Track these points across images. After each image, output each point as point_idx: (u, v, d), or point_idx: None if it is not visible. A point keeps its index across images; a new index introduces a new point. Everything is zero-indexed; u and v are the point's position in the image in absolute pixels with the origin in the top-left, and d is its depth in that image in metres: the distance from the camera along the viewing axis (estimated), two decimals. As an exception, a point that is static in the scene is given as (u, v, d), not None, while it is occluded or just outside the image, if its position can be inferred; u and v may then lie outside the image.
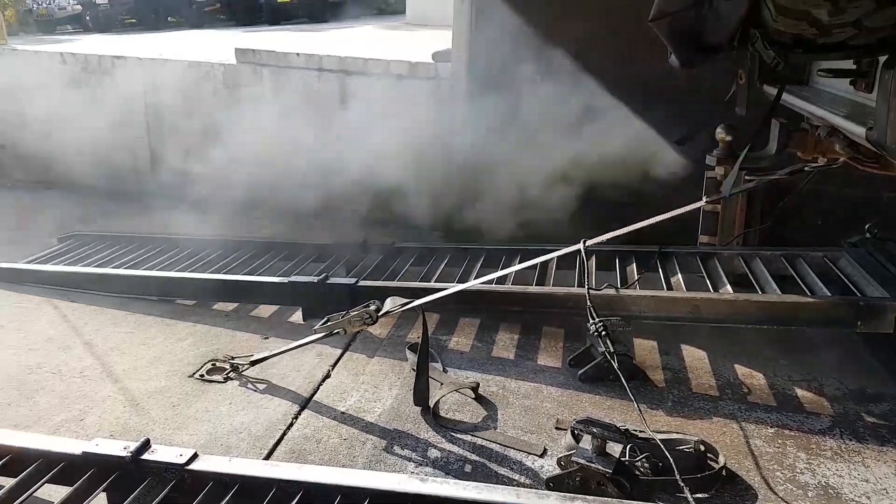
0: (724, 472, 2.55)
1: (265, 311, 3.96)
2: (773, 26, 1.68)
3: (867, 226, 3.66)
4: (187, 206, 5.54)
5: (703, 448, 2.59)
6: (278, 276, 3.94)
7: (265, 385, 3.16)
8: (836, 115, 1.91)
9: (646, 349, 3.53)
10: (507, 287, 3.47)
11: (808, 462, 2.66)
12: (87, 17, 13.95)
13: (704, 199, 2.69)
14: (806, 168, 2.37)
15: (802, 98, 2.19)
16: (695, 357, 3.49)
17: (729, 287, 3.39)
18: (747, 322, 3.26)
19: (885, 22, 1.55)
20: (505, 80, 4.31)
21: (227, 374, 3.20)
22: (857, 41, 1.61)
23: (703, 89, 3.27)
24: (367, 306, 2.94)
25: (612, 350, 2.54)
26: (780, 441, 2.79)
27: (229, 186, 5.12)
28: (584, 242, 2.69)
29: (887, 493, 2.48)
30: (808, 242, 3.94)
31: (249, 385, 3.16)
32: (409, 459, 2.64)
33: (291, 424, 2.85)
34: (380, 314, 2.89)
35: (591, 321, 2.60)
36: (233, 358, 3.29)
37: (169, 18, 15.51)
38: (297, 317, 3.83)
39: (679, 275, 3.58)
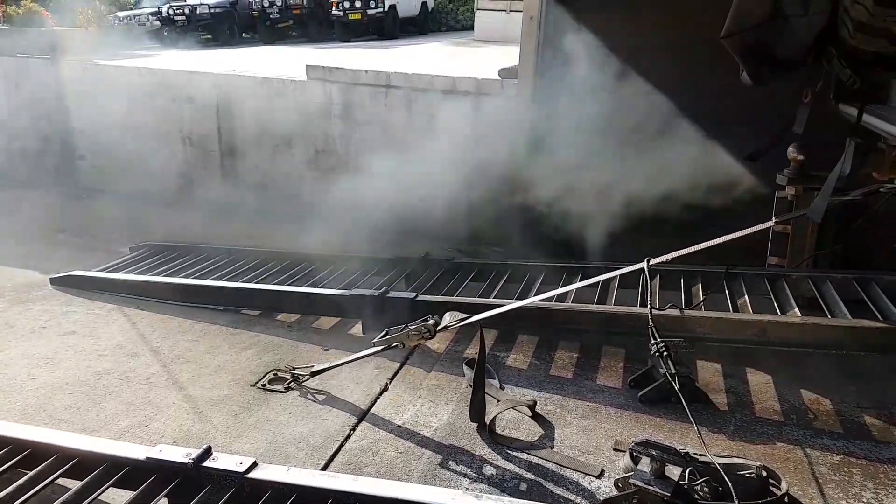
0: (786, 499, 2.46)
1: (326, 322, 4.06)
2: (851, 43, 1.64)
3: (945, 249, 3.49)
4: (258, 219, 5.71)
5: (765, 474, 2.51)
6: (340, 288, 4.01)
7: (324, 396, 3.23)
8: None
9: (709, 372, 3.45)
10: (567, 305, 3.46)
11: (875, 491, 2.56)
12: (165, 33, 14.61)
13: (774, 219, 2.62)
14: (882, 189, 2.29)
15: (880, 117, 2.12)
16: (759, 381, 3.39)
17: (797, 310, 3.29)
18: (815, 346, 3.17)
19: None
20: (571, 97, 4.30)
21: (287, 384, 3.29)
22: (938, 59, 1.55)
23: (777, 106, 3.20)
24: (426, 320, 2.98)
25: (673, 371, 2.49)
26: (846, 469, 2.69)
27: (306, 203, 5.23)
28: (648, 261, 2.65)
29: (957, 528, 2.36)
30: (881, 266, 3.78)
31: (309, 396, 3.24)
32: (464, 475, 2.65)
33: (349, 436, 2.91)
34: (438, 328, 2.93)
35: (653, 341, 2.55)
36: (294, 368, 3.38)
37: (243, 35, 16.12)
38: (358, 329, 3.92)
39: (746, 296, 3.50)
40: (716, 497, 2.41)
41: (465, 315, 2.96)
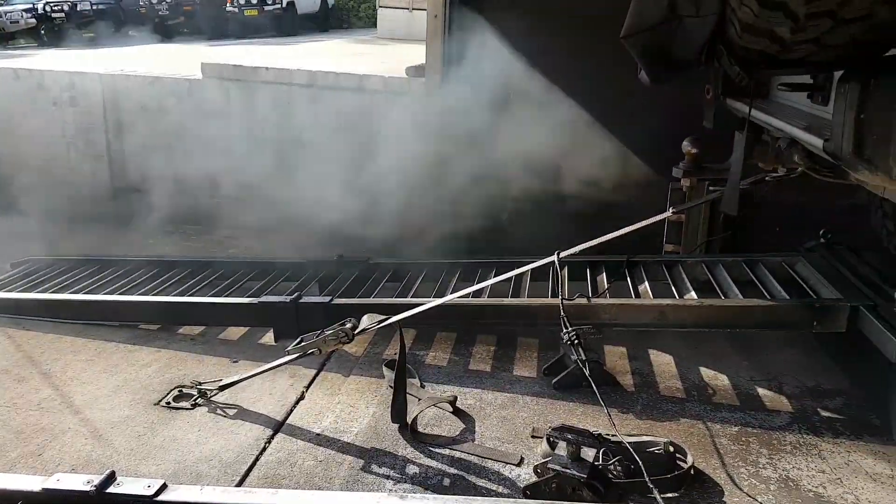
0: (692, 472, 2.63)
1: (234, 333, 3.92)
2: (739, 43, 1.75)
3: (822, 232, 3.81)
4: (158, 227, 5.43)
5: (672, 449, 2.67)
6: (248, 296, 3.88)
7: (235, 410, 3.11)
8: (795, 127, 2.01)
9: (616, 355, 3.61)
10: (484, 300, 3.51)
11: (769, 457, 2.76)
12: (43, 31, 13.59)
13: (671, 209, 2.77)
14: (767, 178, 2.47)
15: (764, 111, 2.29)
16: (662, 361, 3.58)
17: (693, 293, 3.48)
18: (711, 326, 3.36)
19: (842, 39, 1.63)
20: (479, 94, 4.36)
21: (194, 400, 3.15)
22: (816, 57, 1.69)
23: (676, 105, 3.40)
24: (343, 324, 2.94)
25: (584, 358, 2.60)
26: (743, 439, 2.89)
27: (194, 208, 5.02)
28: (558, 254, 2.74)
29: (841, 482, 2.60)
30: (767, 249, 4.08)
31: (219, 411, 3.11)
32: (388, 477, 2.65)
33: (264, 449, 2.82)
34: (356, 332, 2.89)
35: (565, 330, 2.64)
36: (201, 383, 3.23)
37: (130, 33, 15.22)
38: (269, 338, 3.80)
39: (646, 283, 3.67)
40: (628, 475, 2.54)
41: (384, 316, 2.94)
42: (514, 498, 2.48)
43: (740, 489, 2.57)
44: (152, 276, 4.44)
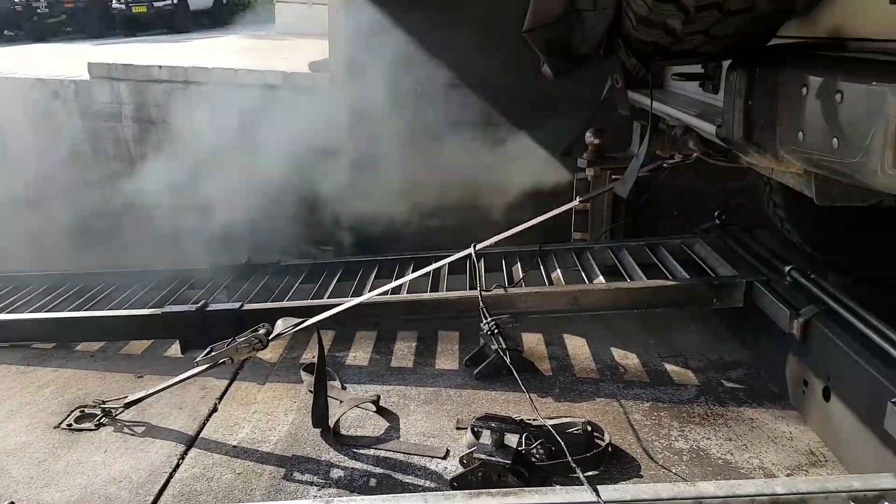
0: (609, 449, 2.73)
1: (137, 347, 3.72)
2: (635, 35, 1.82)
3: (716, 213, 4.04)
4: (45, 240, 5.05)
5: (590, 428, 2.76)
6: (150, 307, 3.69)
7: (144, 427, 2.95)
8: (689, 115, 2.11)
9: (533, 342, 3.69)
10: (403, 297, 3.49)
11: (680, 430, 2.90)
12: None
13: (577, 198, 2.85)
14: (664, 165, 2.60)
15: (659, 101, 2.40)
16: (576, 345, 3.70)
17: (602, 278, 3.60)
18: (620, 308, 3.49)
19: (729, 30, 1.73)
20: (385, 90, 4.33)
21: (98, 420, 2.96)
22: (706, 48, 1.79)
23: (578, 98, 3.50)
24: (256, 330, 2.83)
25: (504, 346, 2.64)
26: (655, 413, 3.03)
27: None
28: (475, 246, 2.76)
29: (747, 447, 2.77)
30: (666, 232, 4.29)
31: (126, 430, 2.94)
32: (312, 483, 2.59)
33: (178, 466, 2.69)
34: (270, 337, 2.80)
35: (484, 321, 2.68)
36: (104, 402, 3.04)
37: (4, 32, 14.10)
38: (175, 350, 3.62)
39: (558, 270, 3.77)
40: (550, 457, 2.61)
41: (300, 319, 2.86)
42: (443, 491, 2.49)
43: (655, 462, 2.69)
44: (43, 291, 4.14)
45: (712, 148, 2.26)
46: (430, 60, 4.36)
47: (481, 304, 2.75)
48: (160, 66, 5.05)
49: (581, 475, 2.05)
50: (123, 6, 16.66)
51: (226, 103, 4.93)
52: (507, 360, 2.64)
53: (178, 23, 16.33)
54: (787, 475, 2.57)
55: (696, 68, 2.15)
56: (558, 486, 2.02)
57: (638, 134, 2.33)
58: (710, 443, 2.81)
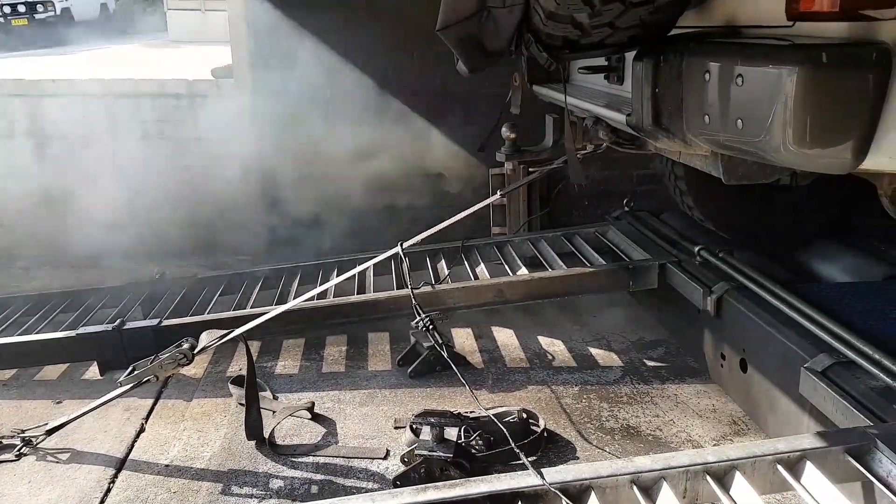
0: (545, 434, 2.83)
1: (52, 372, 3.52)
2: (544, 30, 1.90)
3: (625, 201, 4.23)
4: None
5: (525, 415, 2.85)
6: (62, 330, 3.49)
7: (69, 454, 2.81)
8: (598, 106, 2.22)
9: (462, 336, 3.75)
10: (331, 301, 3.47)
11: (610, 411, 3.04)
12: None
13: (499, 192, 2.93)
14: (577, 156, 2.70)
15: (568, 95, 2.50)
16: (504, 336, 3.79)
17: (524, 269, 3.71)
18: (544, 297, 3.61)
19: (632, 22, 1.83)
20: (290, 94, 4.27)
21: (19, 450, 2.79)
22: (612, 40, 1.88)
23: (487, 95, 3.59)
24: (180, 345, 2.75)
25: (440, 341, 2.67)
26: (585, 396, 3.15)
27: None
28: (402, 245, 2.78)
29: (674, 422, 2.93)
30: (579, 221, 4.46)
31: (49, 458, 2.79)
32: (251, 496, 2.54)
33: (109, 490, 2.58)
34: (196, 351, 2.72)
35: (418, 317, 2.71)
36: (23, 431, 2.86)
37: None
38: (94, 372, 3.45)
39: (482, 264, 3.84)
40: (489, 447, 2.67)
41: (225, 331, 2.80)
42: (389, 489, 2.49)
43: (590, 443, 2.80)
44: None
45: (622, 137, 2.38)
46: (336, 61, 4.35)
47: (414, 301, 2.78)
48: (53, 80, 4.78)
49: (525, 460, 2.12)
50: (1, 19, 15.72)
51: (126, 114, 4.74)
52: (446, 354, 2.68)
53: (61, 35, 15.52)
54: (714, 445, 2.73)
55: (601, 62, 2.26)
56: (503, 474, 2.07)
57: (551, 127, 2.42)
58: (640, 420, 2.95)
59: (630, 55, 2.18)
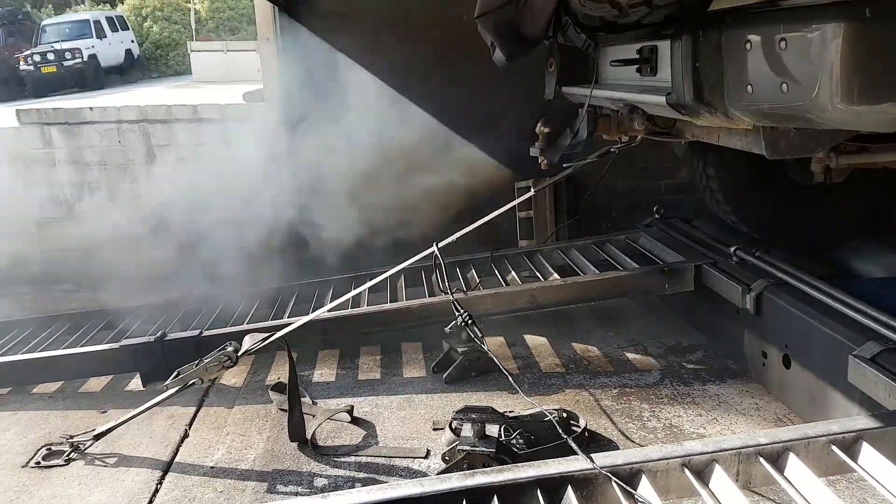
0: (586, 434, 2.80)
1: (96, 384, 3.58)
2: (581, 11, 1.95)
3: (655, 208, 4.24)
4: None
5: (565, 415, 2.83)
6: (106, 343, 3.56)
7: (116, 458, 2.85)
8: (634, 94, 2.26)
9: (495, 345, 3.75)
10: (367, 308, 3.51)
11: (651, 411, 3.01)
12: None
13: (532, 189, 2.96)
14: (612, 149, 2.74)
15: (600, 90, 2.56)
16: (538, 343, 3.79)
17: (556, 275, 3.72)
18: (577, 301, 3.61)
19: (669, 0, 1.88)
20: (321, 113, 4.37)
21: (68, 455, 2.84)
22: (649, 19, 1.93)
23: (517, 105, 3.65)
24: (224, 348, 2.79)
25: (480, 335, 2.69)
26: (624, 398, 3.13)
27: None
28: (437, 245, 2.81)
29: (718, 421, 2.90)
30: (608, 230, 4.47)
31: (97, 462, 2.83)
32: (296, 494, 2.56)
33: (157, 490, 2.62)
34: (240, 353, 2.76)
35: (457, 314, 2.72)
36: (72, 437, 2.91)
37: None
38: (136, 384, 3.50)
39: (513, 272, 3.86)
40: (529, 445, 2.65)
41: (268, 333, 2.84)
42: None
43: (632, 441, 2.78)
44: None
45: (658, 124, 2.41)
46: (365, 80, 4.45)
47: (452, 298, 2.79)
48: (91, 108, 4.95)
49: (573, 444, 2.11)
50: (31, 67, 16.33)
51: (161, 138, 4.86)
52: (486, 348, 2.66)
53: (89, 80, 16.09)
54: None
55: (633, 54, 2.30)
56: (551, 459, 2.06)
57: (585, 120, 2.47)
58: (682, 420, 2.92)
59: (662, 46, 2.22)
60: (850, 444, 2.05)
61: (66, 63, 16.51)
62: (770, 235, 3.53)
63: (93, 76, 16.59)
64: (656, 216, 4.23)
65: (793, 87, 1.50)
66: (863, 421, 2.12)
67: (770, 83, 1.57)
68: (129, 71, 19.24)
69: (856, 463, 2.00)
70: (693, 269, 3.47)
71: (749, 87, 1.66)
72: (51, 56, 16.47)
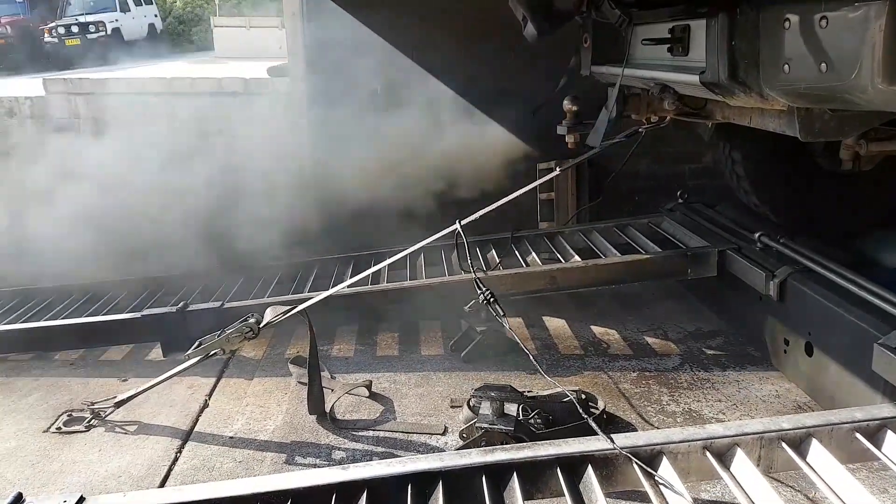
0: (605, 416, 2.80)
1: (116, 353, 3.64)
2: None
3: (679, 193, 4.19)
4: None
5: (584, 396, 2.83)
6: (129, 311, 3.60)
7: (136, 426, 2.89)
8: (668, 72, 2.23)
9: (514, 325, 3.68)
10: (387, 285, 3.51)
11: (670, 395, 3.00)
12: None
13: (557, 169, 2.93)
14: (640, 130, 2.70)
15: (632, 68, 2.51)
16: (556, 325, 3.78)
17: (577, 257, 3.69)
18: (598, 284, 3.59)
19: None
20: (345, 90, 4.35)
21: (89, 421, 2.89)
22: (684, -7, 1.89)
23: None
24: (246, 320, 2.81)
25: (501, 313, 2.68)
26: (643, 382, 3.12)
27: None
28: (460, 222, 2.80)
29: (737, 407, 2.87)
30: (630, 215, 4.42)
31: (118, 429, 2.87)
32: (314, 465, 2.58)
33: (176, 459, 2.65)
34: (262, 325, 2.78)
35: (479, 292, 2.72)
36: (93, 403, 2.96)
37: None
38: (157, 354, 3.55)
39: (533, 254, 3.84)
40: (547, 425, 2.65)
41: (289, 306, 2.85)
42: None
43: (651, 424, 2.77)
44: (11, 307, 4.00)
45: (688, 104, 2.37)
46: (389, 56, 4.41)
47: (475, 276, 2.79)
48: (116, 79, 4.98)
49: (593, 425, 2.10)
50: (56, 40, 16.42)
51: (185, 110, 4.86)
52: (507, 327, 2.65)
53: (112, 54, 16.14)
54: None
55: (665, 33, 2.26)
56: (571, 438, 2.06)
57: (613, 99, 2.44)
58: (702, 405, 2.90)
59: (695, 25, 2.18)
60: (875, 432, 2.03)
61: (89, 36, 16.60)
62: (795, 223, 3.47)
63: (116, 50, 16.65)
64: (679, 201, 4.18)
65: (832, 67, 1.47)
66: (888, 409, 2.09)
67: (808, 62, 1.54)
68: (152, 45, 19.28)
69: (880, 451, 1.98)
70: (716, 255, 3.43)
71: (786, 66, 1.62)
72: (75, 28, 16.56)
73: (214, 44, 16.86)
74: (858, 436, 2.01)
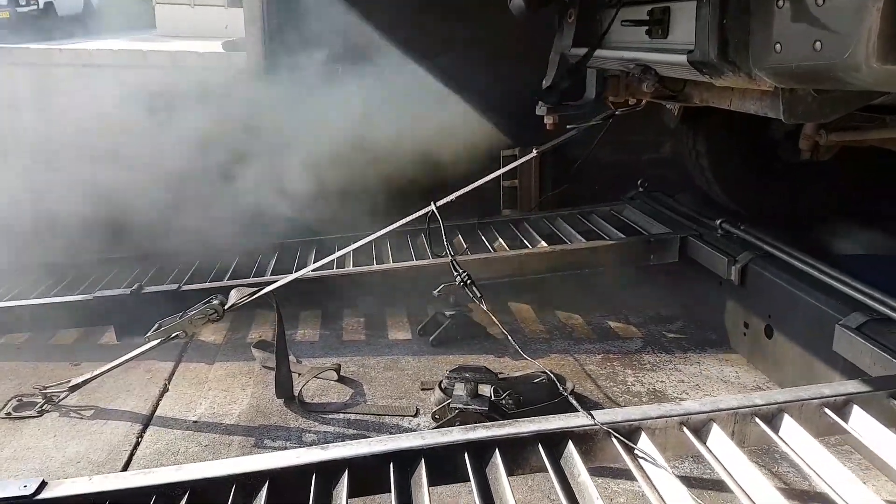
0: (573, 396, 2.81)
1: (67, 337, 3.47)
2: None
3: (639, 181, 4.26)
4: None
5: (553, 377, 2.84)
6: (79, 293, 3.42)
7: (92, 410, 2.77)
8: (652, 52, 2.24)
9: (480, 312, 3.72)
10: (356, 269, 3.45)
11: (635, 376, 3.06)
12: None
13: (535, 150, 2.93)
14: (616, 112, 2.73)
15: (611, 50, 2.53)
16: (522, 310, 3.80)
17: (544, 243, 3.71)
18: (563, 269, 3.62)
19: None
20: (305, 67, 4.23)
21: (41, 406, 2.74)
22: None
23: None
24: (209, 301, 2.71)
25: (479, 295, 2.67)
26: (608, 364, 3.17)
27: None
28: (434, 204, 2.77)
29: (700, 387, 2.95)
30: (592, 202, 4.47)
31: (73, 414, 2.74)
32: (285, 448, 2.50)
33: (138, 443, 2.55)
34: (227, 307, 2.68)
35: (456, 273, 2.70)
36: (45, 388, 2.80)
37: None
38: (109, 337, 3.40)
39: (500, 240, 3.85)
40: (518, 406, 2.66)
41: (255, 288, 2.76)
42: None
43: (618, 404, 2.81)
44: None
45: (668, 87, 2.40)
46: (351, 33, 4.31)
47: (451, 257, 2.76)
48: (60, 49, 4.71)
49: (573, 401, 2.11)
50: (-17, 11, 15.48)
51: (135, 85, 4.64)
52: (485, 307, 2.63)
53: (44, 29, 15.33)
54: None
55: (644, 15, 2.28)
56: (552, 415, 2.07)
57: (593, 80, 2.45)
58: (665, 385, 2.97)
59: (676, 6, 2.21)
60: (841, 406, 2.10)
61: (20, 9, 15.73)
62: (756, 212, 3.58)
63: (49, 25, 15.85)
64: (640, 189, 4.26)
65: (826, 46, 1.50)
66: (853, 385, 2.17)
67: (801, 41, 1.57)
68: (88, 21, 18.43)
69: (847, 424, 2.05)
70: (678, 241, 3.51)
71: (777, 45, 1.65)
72: (3, 1, 15.65)
73: (157, 22, 16.23)
74: (827, 410, 2.08)
